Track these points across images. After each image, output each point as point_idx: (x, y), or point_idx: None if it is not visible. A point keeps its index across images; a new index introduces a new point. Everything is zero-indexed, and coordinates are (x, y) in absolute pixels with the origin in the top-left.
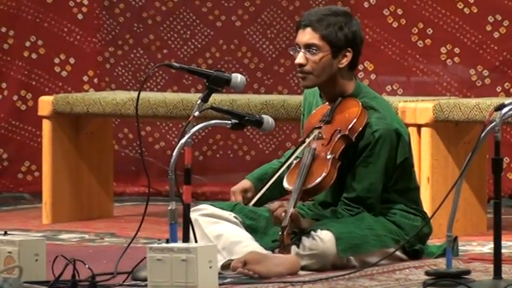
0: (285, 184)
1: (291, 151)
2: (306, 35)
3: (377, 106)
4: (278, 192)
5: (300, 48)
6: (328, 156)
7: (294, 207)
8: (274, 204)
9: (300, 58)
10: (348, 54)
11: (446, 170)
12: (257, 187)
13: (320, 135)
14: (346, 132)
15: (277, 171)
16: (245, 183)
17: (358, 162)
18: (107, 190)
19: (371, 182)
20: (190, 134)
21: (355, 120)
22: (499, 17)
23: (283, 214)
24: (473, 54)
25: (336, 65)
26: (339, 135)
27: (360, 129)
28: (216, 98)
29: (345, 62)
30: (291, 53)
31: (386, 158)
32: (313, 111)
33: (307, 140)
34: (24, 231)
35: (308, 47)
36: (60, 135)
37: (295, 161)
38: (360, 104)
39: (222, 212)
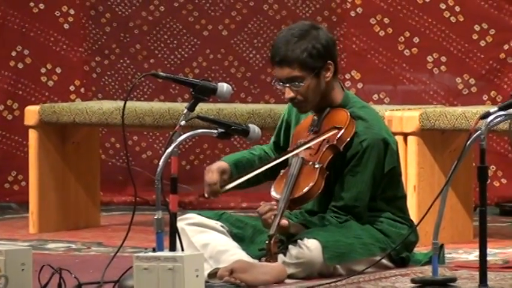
0: (272, 193)
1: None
2: (284, 72)
3: (365, 116)
4: (251, 184)
5: (282, 82)
6: (316, 166)
7: (281, 216)
8: (264, 208)
9: (288, 93)
10: (329, 66)
11: (433, 178)
12: (232, 172)
13: (309, 145)
14: (334, 142)
15: (256, 169)
16: (222, 164)
17: (346, 171)
18: (93, 199)
19: (359, 190)
20: (176, 143)
21: (343, 130)
22: (485, 26)
23: (272, 217)
24: (459, 63)
25: (323, 81)
26: (327, 145)
27: (348, 139)
28: (202, 107)
29: (329, 74)
30: (278, 87)
31: (373, 167)
32: (301, 122)
33: (295, 151)
34: (11, 241)
35: (291, 80)
36: (46, 144)
37: (282, 170)
38: (348, 114)
39: (209, 221)
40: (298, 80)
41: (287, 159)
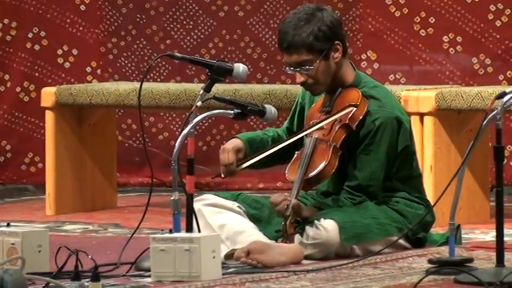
0: (287, 175)
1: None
2: (293, 57)
3: (377, 95)
4: (264, 165)
5: (293, 67)
6: (329, 145)
7: (296, 197)
8: (277, 197)
9: (299, 78)
10: (337, 46)
11: (449, 158)
12: (247, 150)
13: (321, 124)
14: (347, 121)
15: (271, 148)
16: (237, 142)
17: (359, 151)
18: (110, 181)
19: (372, 170)
20: (193, 124)
21: (355, 109)
22: (500, 6)
23: (285, 207)
24: (475, 43)
25: (333, 62)
26: (339, 125)
27: (361, 118)
28: (218, 88)
29: (338, 55)
30: (289, 72)
31: (387, 146)
32: (314, 103)
33: (308, 130)
34: (28, 223)
35: (300, 65)
36: (63, 126)
37: (296, 152)
38: (360, 93)
39: (226, 202)
40: (307, 64)
41: (301, 141)
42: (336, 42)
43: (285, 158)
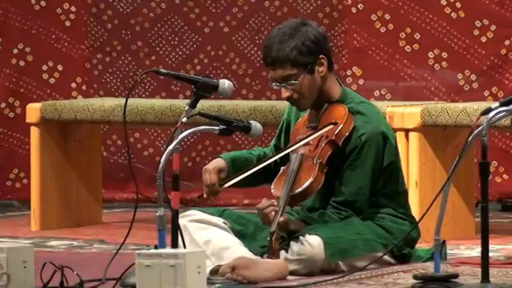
0: (273, 191)
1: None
2: (278, 72)
3: (363, 110)
4: (250, 184)
5: (278, 82)
6: (315, 162)
7: (281, 214)
8: (264, 203)
9: (284, 93)
10: (322, 60)
11: (434, 174)
12: (229, 169)
13: (307, 140)
14: (333, 138)
15: (255, 166)
16: (220, 162)
17: (345, 166)
18: (95, 196)
19: (359, 185)
20: (178, 140)
21: (341, 125)
22: (486, 22)
23: (273, 213)
24: (460, 59)
25: (318, 77)
26: (325, 141)
27: (347, 134)
28: (204, 104)
29: (323, 69)
30: (275, 88)
31: (373, 161)
32: (300, 119)
33: (294, 147)
34: (13, 238)
35: (285, 80)
36: (48, 142)
37: (282, 168)
38: (346, 109)
39: (211, 218)
40: (292, 79)
41: (287, 157)
42: (321, 56)
43: (270, 177)
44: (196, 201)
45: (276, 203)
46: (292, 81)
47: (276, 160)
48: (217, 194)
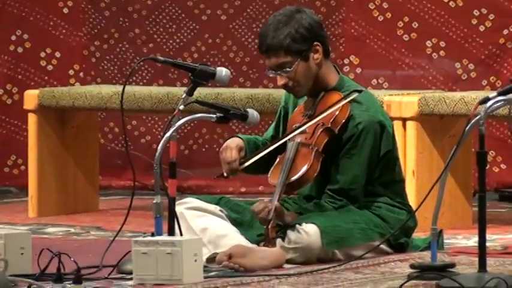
0: (269, 179)
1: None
2: (272, 60)
3: (360, 99)
4: (255, 170)
5: (273, 70)
6: (311, 149)
7: (278, 201)
8: (258, 205)
9: (280, 80)
10: (317, 47)
11: (432, 163)
12: (247, 149)
13: (303, 128)
14: (329, 125)
15: (270, 145)
16: (239, 141)
17: (341, 154)
18: (92, 184)
19: (354, 173)
20: (175, 127)
21: (337, 112)
22: (484, 11)
23: (267, 213)
24: (458, 48)
25: (313, 64)
26: (321, 129)
27: (343, 121)
28: (201, 92)
29: (318, 56)
30: (271, 76)
31: (370, 150)
32: (296, 108)
33: (290, 135)
34: (10, 225)
35: (280, 67)
36: (46, 129)
37: (279, 156)
38: (342, 96)
39: (208, 206)
40: (286, 66)
41: (283, 146)
42: (315, 43)
43: (269, 166)
44: (217, 180)
45: (269, 204)
46: (287, 69)
47: (270, 150)
48: (237, 172)
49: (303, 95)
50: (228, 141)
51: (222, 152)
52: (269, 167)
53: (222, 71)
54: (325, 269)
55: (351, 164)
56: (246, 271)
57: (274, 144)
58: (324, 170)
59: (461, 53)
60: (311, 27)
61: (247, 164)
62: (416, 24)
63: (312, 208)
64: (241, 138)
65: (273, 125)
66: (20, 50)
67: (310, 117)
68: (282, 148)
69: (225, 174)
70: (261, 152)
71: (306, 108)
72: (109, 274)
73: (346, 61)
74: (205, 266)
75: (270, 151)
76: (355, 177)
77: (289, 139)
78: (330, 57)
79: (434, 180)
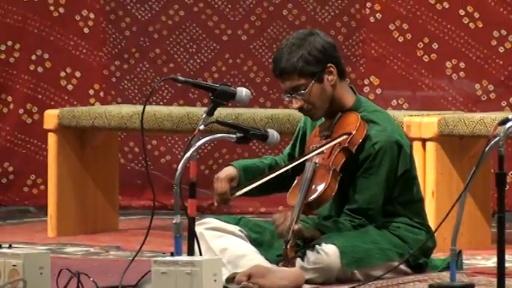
0: (288, 200)
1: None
2: (286, 83)
3: (376, 119)
4: (262, 193)
5: (288, 94)
6: (329, 169)
7: (296, 222)
8: (279, 218)
9: (295, 103)
10: (331, 69)
11: (451, 184)
12: (241, 178)
13: (320, 150)
14: (346, 145)
15: (267, 175)
16: (231, 170)
17: (359, 174)
18: (112, 203)
19: (372, 193)
20: (195, 147)
21: (354, 132)
22: (504, 32)
23: (287, 229)
24: (478, 69)
25: (328, 86)
26: (339, 149)
27: (360, 141)
28: (221, 112)
29: (332, 77)
30: (286, 99)
31: (387, 170)
32: (315, 129)
33: (307, 156)
34: (30, 245)
35: (294, 90)
36: (65, 148)
37: (297, 177)
38: (359, 116)
39: (227, 226)
40: (301, 89)
41: (301, 167)
42: (329, 65)
43: (285, 185)
44: (207, 208)
45: (290, 216)
46: (301, 91)
47: (289, 169)
48: (228, 202)
49: (320, 117)
50: (220, 172)
51: (214, 182)
52: (282, 186)
53: (243, 91)
54: None
55: (368, 183)
56: None
57: (276, 171)
58: (342, 190)
59: (481, 74)
60: (324, 49)
61: (237, 194)
62: (436, 45)
63: (330, 225)
64: (235, 167)
65: (291, 144)
66: (40, 69)
67: (327, 138)
68: (299, 169)
69: (215, 203)
70: (256, 181)
71: (322, 130)
72: None
73: (366, 82)
74: (224, 286)
75: (274, 176)
76: (373, 196)
77: (306, 160)
78: (345, 78)
79: (453, 200)
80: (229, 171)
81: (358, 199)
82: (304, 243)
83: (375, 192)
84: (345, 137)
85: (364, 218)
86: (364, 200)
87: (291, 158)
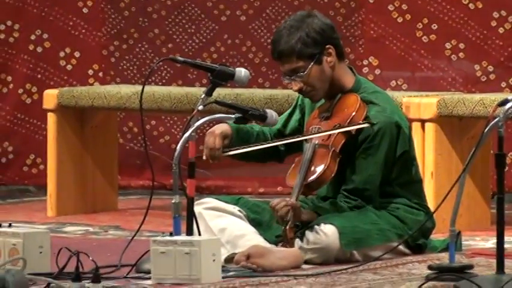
0: (287, 181)
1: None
2: (285, 65)
3: (376, 100)
4: (251, 159)
5: (288, 76)
6: (328, 150)
7: (296, 201)
8: (278, 202)
9: (295, 85)
10: (330, 50)
11: (450, 164)
12: (233, 138)
13: (320, 130)
14: (346, 126)
15: (262, 144)
16: (226, 128)
17: (357, 155)
18: (111, 183)
19: (369, 173)
20: (194, 127)
21: (353, 113)
22: (504, 13)
23: (286, 213)
24: (478, 50)
25: (327, 67)
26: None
27: (359, 122)
28: (220, 92)
29: (331, 59)
30: (286, 82)
31: (386, 150)
32: (314, 111)
33: (306, 137)
34: (29, 224)
35: (293, 72)
36: (65, 128)
37: (296, 158)
38: (359, 97)
39: (226, 206)
40: (300, 71)
41: (296, 145)
42: (328, 46)
43: (272, 157)
44: (194, 160)
45: (288, 201)
46: (301, 73)
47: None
48: (218, 159)
49: (319, 98)
50: (215, 126)
51: (206, 136)
52: (271, 157)
53: (241, 72)
54: (343, 269)
55: (366, 164)
56: (264, 271)
57: (272, 143)
58: (340, 171)
59: (481, 55)
60: (322, 31)
61: (230, 153)
62: (436, 26)
63: (328, 207)
64: (230, 126)
65: (283, 120)
66: (39, 49)
67: (327, 119)
68: (293, 146)
69: (203, 157)
70: (251, 147)
71: (322, 111)
72: (127, 273)
73: (365, 62)
74: (223, 266)
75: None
76: (370, 177)
77: (306, 140)
78: (344, 59)
79: (452, 181)
80: (224, 128)
81: (355, 179)
82: (303, 224)
83: (372, 172)
84: (362, 125)
85: (360, 199)
86: (361, 181)
87: (281, 134)
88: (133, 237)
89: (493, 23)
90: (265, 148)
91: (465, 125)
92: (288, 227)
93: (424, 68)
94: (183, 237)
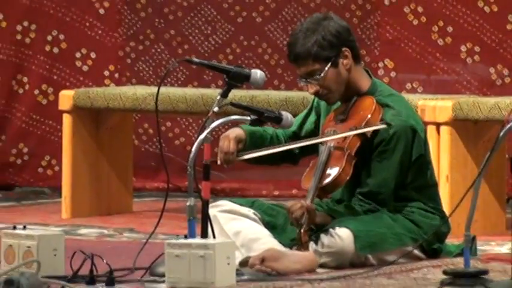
0: (302, 184)
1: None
2: (301, 68)
3: (392, 103)
4: (265, 162)
5: (304, 79)
6: (344, 153)
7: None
8: (294, 204)
9: (311, 88)
10: (346, 53)
11: (465, 168)
12: (247, 142)
13: (335, 133)
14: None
15: (278, 147)
16: (240, 132)
17: (372, 158)
18: (126, 185)
19: (384, 177)
20: (209, 129)
21: (369, 116)
22: None
23: (301, 215)
24: (493, 53)
25: (343, 70)
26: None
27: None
28: (236, 94)
29: (347, 61)
30: (302, 84)
31: (401, 154)
32: (329, 114)
33: (321, 139)
34: (44, 226)
35: (309, 75)
36: (80, 129)
37: (312, 161)
38: (374, 100)
39: (241, 209)
40: (316, 73)
41: (311, 147)
42: (344, 49)
43: (287, 160)
44: (207, 164)
45: (304, 203)
46: (317, 76)
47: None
48: (232, 163)
49: (335, 101)
50: (229, 130)
51: (220, 140)
52: (285, 160)
53: (257, 73)
54: (358, 274)
55: (380, 167)
56: (278, 275)
57: (288, 145)
58: (355, 174)
59: (496, 58)
60: (338, 34)
61: (244, 157)
62: (451, 29)
63: (343, 210)
64: (243, 130)
65: (298, 122)
66: (55, 50)
67: (342, 122)
68: (308, 148)
69: (218, 162)
70: (266, 150)
71: (338, 114)
72: (142, 276)
73: (380, 65)
74: (237, 270)
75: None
76: (384, 180)
77: (321, 143)
78: (360, 62)
79: (467, 185)
80: (238, 132)
81: (369, 183)
82: (317, 228)
83: (387, 176)
84: (380, 126)
85: (374, 203)
86: (375, 184)
87: (296, 136)
88: (147, 240)
89: (509, 26)
90: (279, 151)
91: (480, 128)
92: (302, 230)
93: (439, 71)
94: (197, 240)
